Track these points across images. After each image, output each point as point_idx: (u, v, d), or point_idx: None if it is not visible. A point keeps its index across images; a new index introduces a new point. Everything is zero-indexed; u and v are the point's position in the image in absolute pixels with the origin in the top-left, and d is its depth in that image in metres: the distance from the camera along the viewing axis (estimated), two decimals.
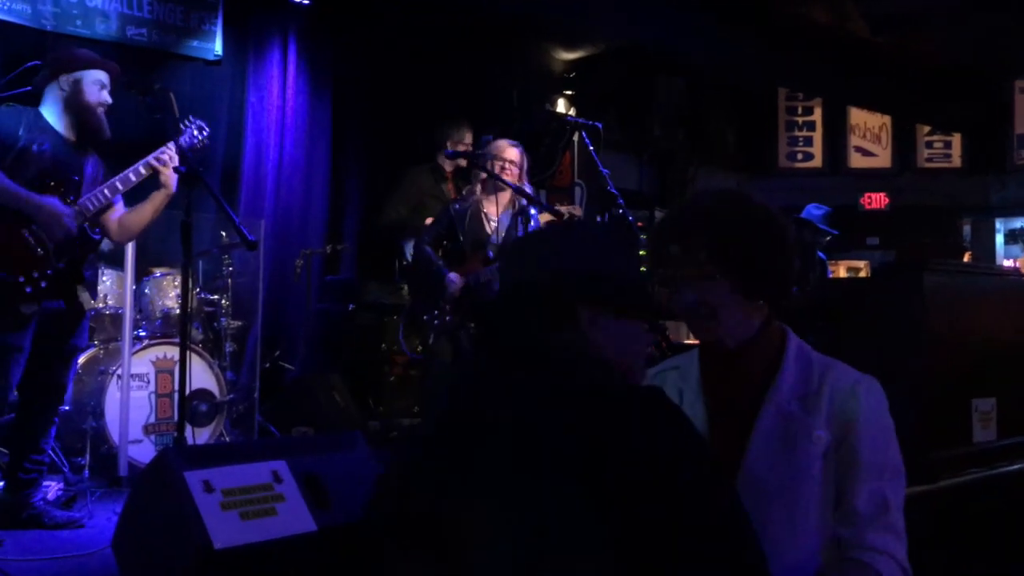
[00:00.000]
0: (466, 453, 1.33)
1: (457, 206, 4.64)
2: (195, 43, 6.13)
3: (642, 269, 1.66)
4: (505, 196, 4.55)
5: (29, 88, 3.83)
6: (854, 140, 11.57)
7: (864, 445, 1.63)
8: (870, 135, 11.56)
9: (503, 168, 4.50)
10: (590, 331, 1.41)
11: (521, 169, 4.57)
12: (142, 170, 3.72)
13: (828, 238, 6.46)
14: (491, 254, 4.47)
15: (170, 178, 3.72)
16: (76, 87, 3.69)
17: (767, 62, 7.93)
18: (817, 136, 11.56)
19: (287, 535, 2.27)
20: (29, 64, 3.90)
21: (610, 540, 1.19)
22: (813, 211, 6.42)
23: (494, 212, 4.55)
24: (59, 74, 3.69)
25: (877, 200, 11.27)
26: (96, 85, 3.73)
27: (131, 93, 3.72)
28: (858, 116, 11.48)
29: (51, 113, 3.70)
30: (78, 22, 5.61)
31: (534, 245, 1.55)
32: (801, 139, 11.59)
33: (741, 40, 7.27)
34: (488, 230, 4.52)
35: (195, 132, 3.85)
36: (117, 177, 3.71)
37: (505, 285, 1.54)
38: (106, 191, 3.68)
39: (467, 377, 1.57)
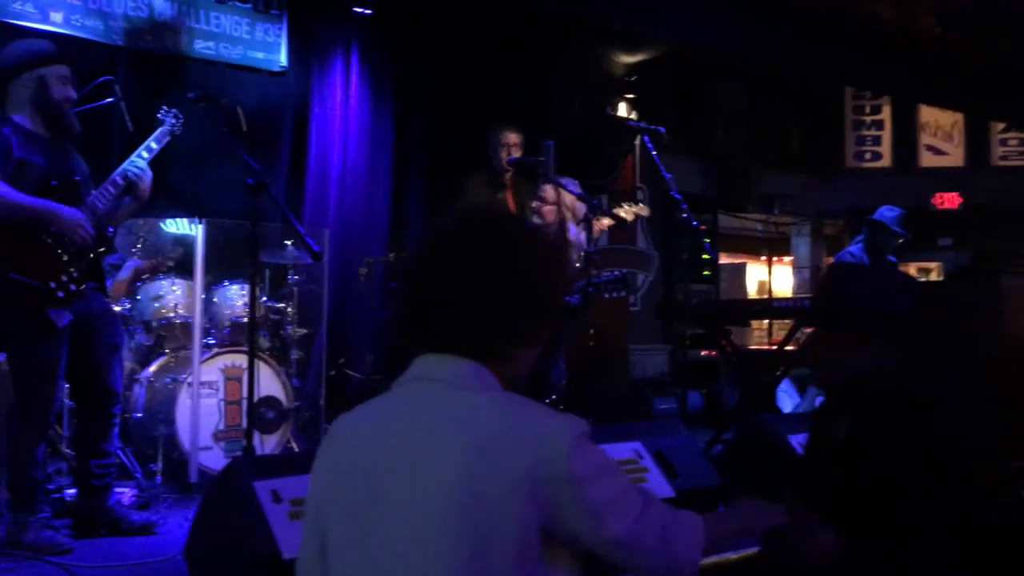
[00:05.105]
0: None
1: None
2: (260, 55, 6.22)
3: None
4: None
5: (103, 102, 3.90)
6: (925, 138, 11.28)
7: None
8: (941, 133, 11.26)
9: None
10: None
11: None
12: (120, 180, 3.63)
13: (901, 240, 6.31)
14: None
15: (145, 191, 3.66)
16: (41, 84, 3.51)
17: (834, 62, 7.77)
18: (886, 135, 11.29)
19: None
20: (101, 79, 3.93)
21: None
22: (886, 213, 6.26)
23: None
24: (21, 72, 3.51)
25: (949, 200, 10.98)
26: (60, 80, 3.55)
27: (199, 107, 3.78)
28: (929, 114, 11.18)
29: (20, 114, 3.52)
30: (148, 37, 5.74)
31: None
32: (869, 138, 11.32)
33: (807, 40, 7.14)
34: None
35: (172, 120, 3.81)
36: (114, 175, 3.62)
37: None
38: (110, 187, 3.59)
39: None
